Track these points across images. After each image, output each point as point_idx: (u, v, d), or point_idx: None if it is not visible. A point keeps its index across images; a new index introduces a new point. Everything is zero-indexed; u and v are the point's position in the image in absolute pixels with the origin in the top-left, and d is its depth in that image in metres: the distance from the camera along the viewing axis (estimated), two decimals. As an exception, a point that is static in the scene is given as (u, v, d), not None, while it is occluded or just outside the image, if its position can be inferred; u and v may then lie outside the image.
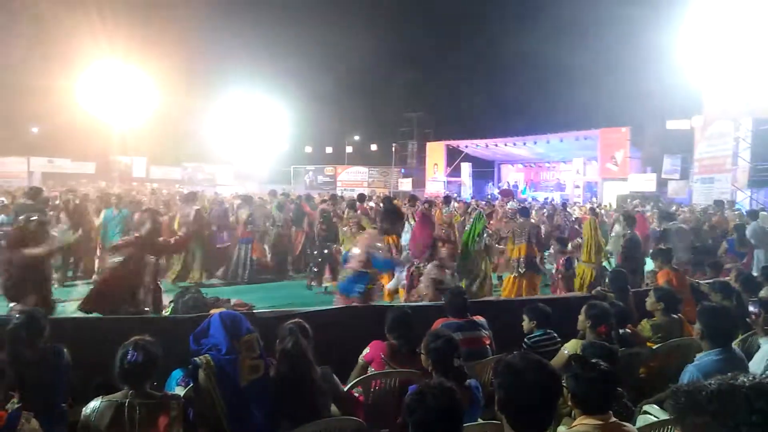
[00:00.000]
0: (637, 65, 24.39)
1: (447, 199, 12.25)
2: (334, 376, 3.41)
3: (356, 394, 3.48)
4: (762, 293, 5.49)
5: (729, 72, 18.85)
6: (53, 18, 28.72)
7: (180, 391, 3.21)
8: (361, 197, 11.46)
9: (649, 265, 7.56)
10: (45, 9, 28.88)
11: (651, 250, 7.94)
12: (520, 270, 8.13)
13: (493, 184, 33.56)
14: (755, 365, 3.57)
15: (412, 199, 10.96)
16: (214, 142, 36.70)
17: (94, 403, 2.66)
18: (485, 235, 8.10)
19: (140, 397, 2.67)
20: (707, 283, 5.94)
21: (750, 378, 1.04)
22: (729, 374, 1.07)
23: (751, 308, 4.49)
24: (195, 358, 2.90)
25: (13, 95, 28.20)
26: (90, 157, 34.70)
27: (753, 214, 10.85)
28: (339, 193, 23.80)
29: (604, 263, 8.41)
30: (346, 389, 3.45)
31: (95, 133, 29.85)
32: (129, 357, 2.69)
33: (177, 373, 3.44)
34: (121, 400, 2.65)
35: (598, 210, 14.72)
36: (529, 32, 34.98)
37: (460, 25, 43.77)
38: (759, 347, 3.92)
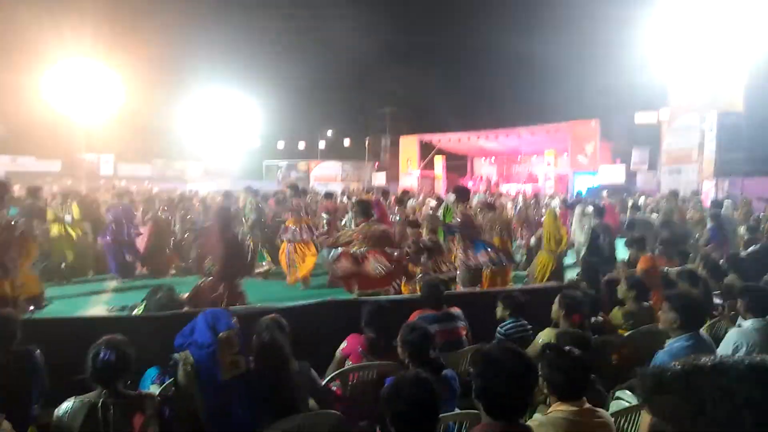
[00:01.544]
0: (605, 58, 24.72)
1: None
2: (312, 371, 3.40)
3: (334, 388, 3.48)
4: (726, 280, 5.66)
5: (694, 65, 19.31)
6: (15, 11, 27.87)
7: (155, 389, 3.17)
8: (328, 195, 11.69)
9: (622, 253, 7.72)
10: (6, 4, 28.01)
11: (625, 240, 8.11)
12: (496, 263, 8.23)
13: (467, 178, 33.77)
14: (721, 351, 3.68)
15: (402, 196, 11.37)
16: (183, 138, 36.13)
17: (67, 404, 2.61)
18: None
19: (114, 397, 2.63)
20: (675, 270, 6.08)
21: (712, 358, 1.08)
22: (692, 356, 1.10)
23: (716, 301, 4.63)
24: (174, 354, 2.87)
25: (-26, 92, 27.35)
26: (55, 155, 33.79)
27: (717, 204, 11.16)
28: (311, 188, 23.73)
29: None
30: (323, 383, 3.45)
31: (60, 130, 29.09)
32: (101, 356, 2.65)
33: (151, 372, 3.40)
34: (95, 400, 2.61)
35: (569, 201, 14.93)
36: (500, 27, 35.18)
37: (433, 20, 43.84)
38: (725, 333, 4.05)
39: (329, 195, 11.69)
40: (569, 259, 9.99)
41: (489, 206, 9.40)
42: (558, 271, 7.62)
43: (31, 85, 26.84)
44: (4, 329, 3.19)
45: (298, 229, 9.21)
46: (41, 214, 8.35)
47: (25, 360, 3.14)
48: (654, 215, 11.01)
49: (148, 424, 2.64)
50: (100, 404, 2.59)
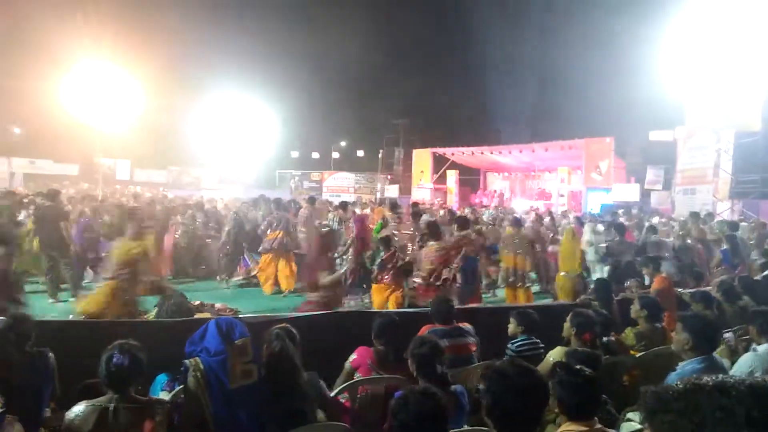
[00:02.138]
0: (621, 76, 24.66)
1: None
2: (321, 382, 3.40)
3: (342, 400, 3.47)
4: (742, 303, 5.60)
5: (711, 85, 19.15)
6: (35, 17, 28.39)
7: (165, 395, 3.19)
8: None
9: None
10: (27, 8, 28.56)
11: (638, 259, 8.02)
12: (514, 280, 8.24)
13: (480, 193, 33.70)
14: (736, 374, 3.62)
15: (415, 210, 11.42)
16: (199, 146, 36.41)
17: (78, 408, 2.63)
18: None
19: (125, 402, 2.65)
20: (689, 292, 6.02)
21: (714, 378, 1.08)
22: (695, 376, 1.11)
23: (726, 335, 4.57)
24: (185, 360, 2.89)
25: (-5, 95, 27.88)
26: (73, 159, 34.22)
27: (733, 226, 11.01)
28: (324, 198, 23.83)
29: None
30: (332, 395, 3.44)
31: (78, 134, 29.42)
32: (115, 360, 2.67)
33: (162, 378, 3.42)
34: (105, 405, 2.62)
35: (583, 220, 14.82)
36: (517, 43, 35.38)
37: (449, 34, 44.13)
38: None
39: (344, 205, 11.78)
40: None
41: (516, 222, 9.36)
42: (581, 291, 7.59)
43: (50, 88, 27.25)
44: (20, 329, 3.22)
45: (273, 240, 9.63)
46: (66, 216, 8.56)
47: (39, 361, 3.17)
48: (670, 238, 10.86)
49: (157, 431, 2.64)
50: (111, 409, 2.61)
